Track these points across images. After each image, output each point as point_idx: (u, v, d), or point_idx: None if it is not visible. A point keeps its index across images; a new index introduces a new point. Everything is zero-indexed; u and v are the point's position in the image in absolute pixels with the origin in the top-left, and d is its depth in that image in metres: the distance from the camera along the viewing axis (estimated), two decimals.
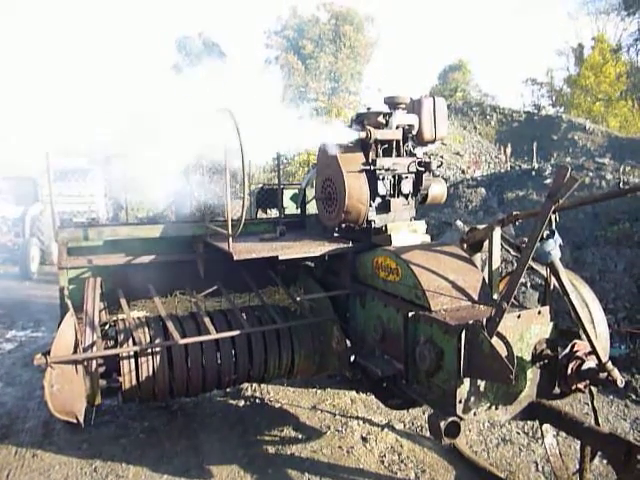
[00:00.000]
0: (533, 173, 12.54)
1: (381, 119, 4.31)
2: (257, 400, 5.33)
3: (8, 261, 12.69)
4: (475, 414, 3.11)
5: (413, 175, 4.34)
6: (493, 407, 3.16)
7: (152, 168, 4.01)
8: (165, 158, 3.98)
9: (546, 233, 3.09)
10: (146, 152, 3.96)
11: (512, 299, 2.91)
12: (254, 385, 5.48)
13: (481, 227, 3.87)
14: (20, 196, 13.47)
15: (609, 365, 3.07)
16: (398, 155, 4.32)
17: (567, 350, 3.14)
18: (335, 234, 4.60)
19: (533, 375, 3.19)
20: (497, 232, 3.62)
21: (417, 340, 3.34)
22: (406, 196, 4.36)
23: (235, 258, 3.85)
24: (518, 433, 4.70)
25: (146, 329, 4.08)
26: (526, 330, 3.11)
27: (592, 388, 3.35)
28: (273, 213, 6.12)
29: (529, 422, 4.69)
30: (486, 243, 3.75)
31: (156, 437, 4.54)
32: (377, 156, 4.24)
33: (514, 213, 3.63)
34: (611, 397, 5.33)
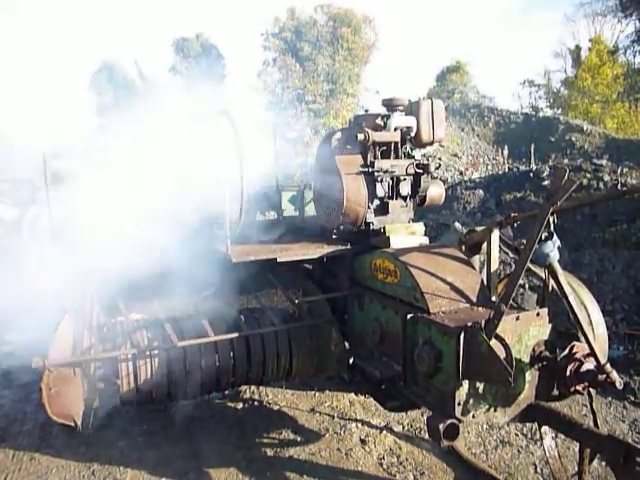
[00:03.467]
0: (531, 175, 12.56)
1: (379, 121, 4.32)
2: (256, 402, 5.32)
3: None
4: (474, 416, 3.11)
5: (411, 177, 4.34)
6: (492, 409, 3.16)
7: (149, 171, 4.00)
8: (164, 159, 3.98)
9: (544, 235, 3.09)
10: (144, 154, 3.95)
11: (511, 301, 2.92)
12: (252, 387, 5.46)
13: (479, 229, 3.88)
14: (17, 198, 13.43)
15: (608, 367, 3.07)
16: (396, 157, 4.32)
17: (566, 352, 3.13)
18: (333, 236, 4.60)
19: (532, 377, 3.18)
20: (495, 234, 3.62)
21: (416, 342, 3.34)
22: (404, 198, 4.36)
23: (234, 260, 3.85)
24: (517, 435, 4.69)
25: (144, 331, 4.07)
26: (525, 332, 3.11)
27: (591, 390, 3.34)
28: (272, 215, 6.11)
29: (528, 424, 4.69)
30: (484, 245, 3.75)
31: (154, 440, 4.53)
32: (375, 158, 4.24)
33: (512, 215, 3.63)
34: (610, 399, 5.33)
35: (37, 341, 3.64)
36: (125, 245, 4.06)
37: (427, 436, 4.12)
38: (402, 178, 4.29)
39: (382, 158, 4.27)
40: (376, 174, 4.18)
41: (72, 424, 3.59)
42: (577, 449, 3.60)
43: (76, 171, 3.76)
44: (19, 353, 6.69)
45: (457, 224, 4.26)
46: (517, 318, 3.09)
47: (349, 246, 4.27)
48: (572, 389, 3.15)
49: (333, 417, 5.00)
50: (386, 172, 4.21)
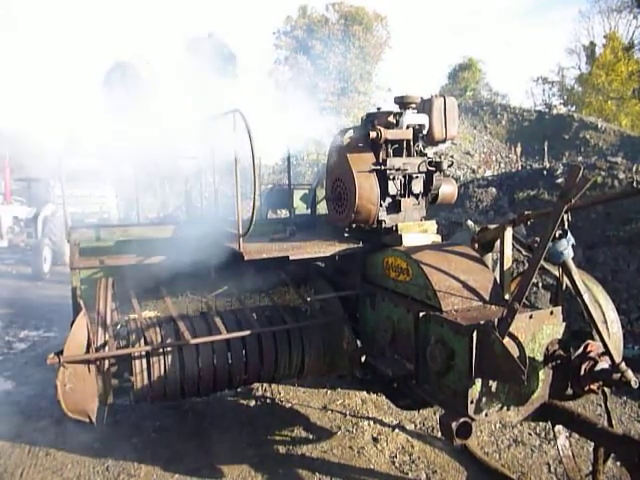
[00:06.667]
0: (544, 172, 12.44)
1: (391, 119, 4.30)
2: (268, 400, 5.34)
3: (21, 262, 12.81)
4: (487, 415, 3.09)
5: (424, 175, 4.32)
6: (505, 408, 3.14)
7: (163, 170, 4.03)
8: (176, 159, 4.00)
9: (558, 233, 3.07)
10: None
11: (524, 299, 2.90)
12: (264, 385, 5.49)
13: (492, 227, 3.85)
14: (32, 197, 13.62)
15: (622, 366, 3.04)
16: (408, 155, 4.31)
17: (580, 351, 3.11)
18: (345, 234, 4.60)
19: (545, 376, 3.16)
20: (508, 232, 3.59)
21: (428, 340, 3.33)
22: (417, 196, 4.35)
23: (246, 258, 3.86)
24: (530, 434, 4.67)
25: (157, 329, 4.10)
26: (538, 330, 3.09)
27: (605, 389, 3.31)
28: (283, 213, 6.13)
29: (541, 423, 4.66)
30: (497, 243, 3.73)
31: (167, 437, 4.57)
32: (387, 156, 4.23)
33: (526, 213, 3.60)
34: (624, 398, 5.28)
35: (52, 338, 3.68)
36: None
37: (439, 434, 4.11)
38: (414, 176, 4.27)
39: (394, 156, 4.26)
40: (388, 172, 4.17)
41: (87, 420, 3.63)
42: (591, 449, 3.58)
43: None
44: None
45: (470, 222, 4.25)
46: (530, 317, 3.06)
47: (361, 244, 4.27)
48: (586, 388, 3.12)
49: (345, 415, 5.00)
50: (398, 170, 4.19)
